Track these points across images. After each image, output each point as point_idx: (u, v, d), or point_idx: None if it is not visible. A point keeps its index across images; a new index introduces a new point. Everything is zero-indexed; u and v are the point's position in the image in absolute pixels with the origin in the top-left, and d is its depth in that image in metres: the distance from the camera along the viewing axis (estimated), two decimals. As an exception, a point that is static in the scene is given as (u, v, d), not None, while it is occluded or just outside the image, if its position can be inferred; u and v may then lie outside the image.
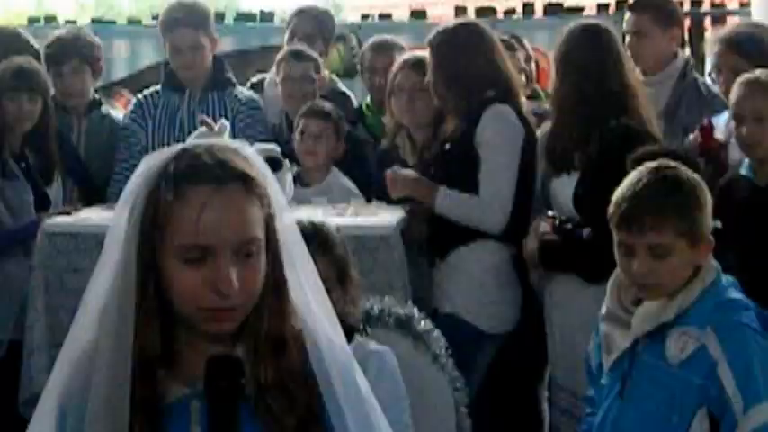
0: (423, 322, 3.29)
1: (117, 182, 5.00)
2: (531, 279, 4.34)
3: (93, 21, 7.50)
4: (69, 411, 1.82)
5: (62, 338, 4.18)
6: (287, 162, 4.37)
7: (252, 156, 1.86)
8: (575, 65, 4.16)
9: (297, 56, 5.13)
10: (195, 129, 4.70)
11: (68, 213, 4.56)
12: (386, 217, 4.36)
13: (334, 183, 4.80)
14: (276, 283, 1.82)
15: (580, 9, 7.03)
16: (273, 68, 5.38)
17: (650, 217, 2.86)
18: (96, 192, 5.01)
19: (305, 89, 5.10)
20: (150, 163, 1.81)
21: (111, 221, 1.85)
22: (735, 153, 4.14)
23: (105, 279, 1.83)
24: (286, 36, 5.65)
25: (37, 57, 5.13)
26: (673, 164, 3.00)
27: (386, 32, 5.88)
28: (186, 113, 5.09)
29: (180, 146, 1.85)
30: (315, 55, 5.21)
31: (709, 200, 2.94)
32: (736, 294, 2.92)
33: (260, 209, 1.80)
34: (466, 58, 4.39)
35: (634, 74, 4.43)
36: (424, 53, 4.60)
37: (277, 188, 1.86)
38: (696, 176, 2.97)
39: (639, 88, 4.25)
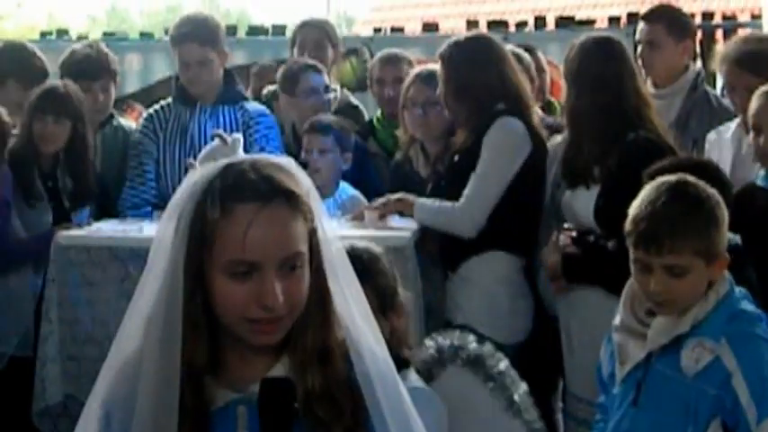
0: (500, 363, 3.07)
1: (129, 195, 5.07)
2: (540, 290, 4.34)
3: (106, 34, 7.51)
4: (114, 418, 1.87)
5: (75, 350, 4.26)
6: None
7: (296, 171, 1.89)
8: (590, 78, 4.14)
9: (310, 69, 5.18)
10: (206, 142, 4.73)
11: (80, 226, 4.58)
12: (400, 229, 4.37)
13: (344, 195, 4.80)
14: (320, 295, 1.86)
15: (591, 22, 7.04)
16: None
17: (669, 240, 2.84)
18: (113, 205, 5.05)
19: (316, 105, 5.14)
20: (195, 178, 1.86)
21: (157, 234, 1.89)
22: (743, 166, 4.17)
23: (151, 290, 1.85)
24: (295, 50, 5.68)
25: (44, 71, 5.21)
26: (692, 180, 2.97)
27: (398, 46, 5.93)
28: (197, 127, 5.09)
29: (225, 161, 1.88)
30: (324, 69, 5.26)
31: (725, 216, 2.93)
32: (749, 306, 2.93)
33: (304, 224, 1.84)
34: (476, 71, 4.40)
35: (646, 86, 4.44)
36: (436, 66, 4.61)
37: (319, 201, 1.89)
38: (714, 192, 2.95)
39: (651, 100, 4.26)
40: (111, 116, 5.34)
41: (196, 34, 5.06)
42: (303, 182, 1.88)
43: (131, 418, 1.83)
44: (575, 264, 4.10)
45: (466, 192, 4.33)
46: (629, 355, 2.95)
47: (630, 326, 2.98)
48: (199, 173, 1.88)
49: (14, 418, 4.43)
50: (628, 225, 2.93)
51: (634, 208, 2.94)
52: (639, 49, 4.88)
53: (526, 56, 5.11)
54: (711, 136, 4.52)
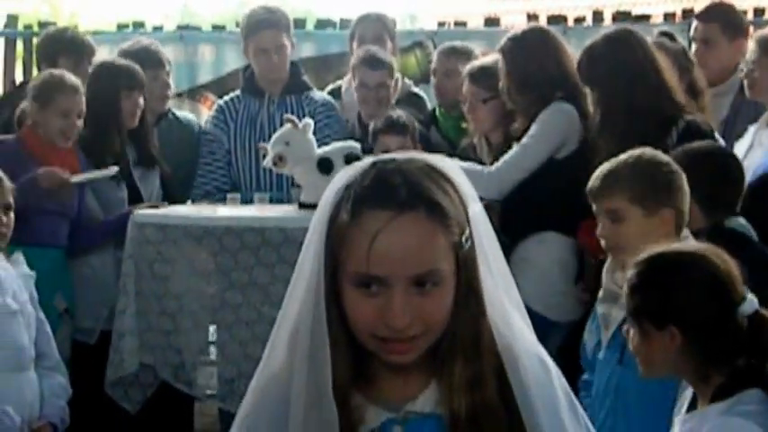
0: None
1: (201, 183, 5.29)
2: (586, 270, 4.48)
3: (180, 27, 7.75)
4: None
5: (150, 323, 4.49)
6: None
7: (455, 176, 1.71)
8: (627, 68, 4.24)
9: (372, 64, 5.30)
10: (274, 130, 4.88)
11: (156, 207, 4.78)
12: None
13: None
14: (472, 317, 1.69)
15: (647, 17, 7.17)
16: (349, 74, 5.60)
17: (604, 184, 3.23)
18: (173, 196, 5.17)
19: (380, 95, 5.29)
20: (345, 174, 1.70)
21: (309, 233, 1.71)
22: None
23: (297, 299, 1.71)
24: (355, 44, 5.80)
25: (91, 47, 5.41)
26: (654, 151, 3.30)
27: (461, 39, 6.04)
28: (266, 117, 5.30)
29: (373, 159, 1.72)
30: (389, 60, 5.38)
31: (678, 182, 3.20)
32: None
33: (445, 237, 1.64)
34: (535, 62, 4.54)
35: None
36: (488, 59, 4.80)
37: (477, 211, 1.72)
38: (672, 163, 3.25)
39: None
40: (168, 110, 5.52)
41: (273, 21, 5.30)
42: (462, 188, 1.70)
43: None
44: None
45: (502, 158, 4.51)
46: (612, 318, 3.19)
47: (611, 291, 3.22)
48: (351, 168, 1.71)
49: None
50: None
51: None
52: (694, 47, 4.93)
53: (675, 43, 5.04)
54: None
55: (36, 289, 4.13)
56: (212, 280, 4.53)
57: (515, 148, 4.52)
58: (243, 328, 4.50)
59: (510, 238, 4.51)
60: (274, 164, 4.49)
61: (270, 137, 4.87)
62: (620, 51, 4.30)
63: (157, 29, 7.67)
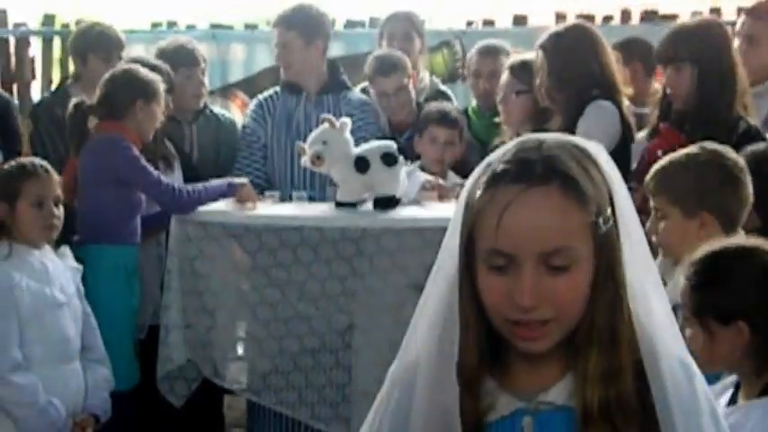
0: None
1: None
2: None
3: (212, 26, 7.83)
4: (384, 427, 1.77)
5: (193, 319, 4.57)
6: (401, 158, 4.58)
7: (600, 154, 1.65)
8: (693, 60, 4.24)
9: (384, 71, 5.41)
10: (310, 129, 4.94)
11: None
12: None
13: (452, 185, 4.96)
14: (611, 306, 1.62)
15: (675, 16, 7.21)
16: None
17: (653, 179, 3.28)
18: None
19: (401, 99, 5.41)
20: (493, 154, 1.68)
21: (454, 212, 1.69)
22: None
23: (436, 282, 1.70)
24: (384, 42, 5.89)
25: (120, 42, 5.47)
26: (717, 148, 3.31)
27: (489, 38, 6.10)
28: (302, 115, 5.35)
29: (524, 137, 1.68)
30: (399, 59, 5.45)
31: (733, 188, 3.21)
32: None
33: (581, 215, 1.58)
34: (576, 60, 4.57)
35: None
36: (531, 55, 4.80)
37: (621, 194, 1.65)
38: (731, 164, 3.25)
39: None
40: (205, 106, 5.59)
41: (285, 18, 5.37)
42: (607, 169, 1.63)
43: (403, 426, 1.71)
44: None
45: None
46: None
47: None
48: (499, 148, 1.68)
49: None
50: None
51: None
52: (737, 42, 4.86)
53: None
54: None
55: (128, 286, 4.39)
56: (251, 277, 4.61)
57: None
58: (280, 324, 4.59)
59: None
60: (312, 163, 4.55)
61: (305, 135, 4.91)
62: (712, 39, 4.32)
63: (190, 27, 7.76)
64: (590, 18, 7.31)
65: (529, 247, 1.56)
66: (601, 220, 1.59)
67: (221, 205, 4.75)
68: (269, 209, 4.75)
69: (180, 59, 5.35)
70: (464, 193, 1.66)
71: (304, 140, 4.74)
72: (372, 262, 4.49)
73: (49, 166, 4.15)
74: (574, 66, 4.57)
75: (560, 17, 7.39)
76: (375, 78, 5.42)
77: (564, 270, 1.57)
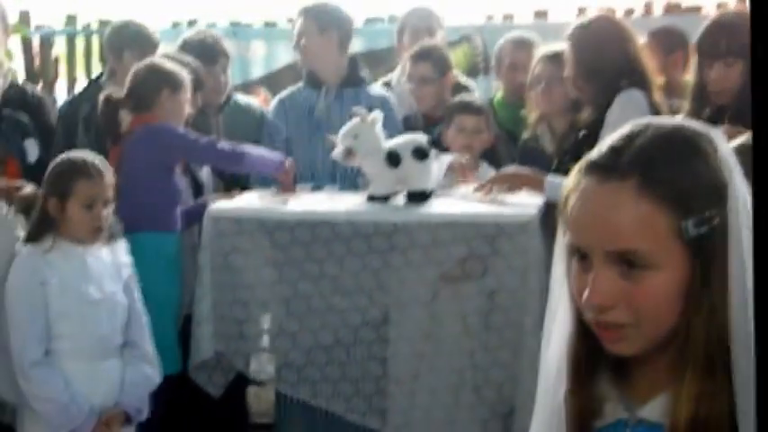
0: None
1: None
2: None
3: (233, 24, 7.87)
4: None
5: (224, 312, 4.61)
6: (433, 152, 4.62)
7: (712, 146, 1.49)
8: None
9: (421, 57, 5.48)
10: (331, 122, 5.08)
11: (231, 197, 4.89)
12: (526, 205, 4.50)
13: (486, 175, 4.97)
14: (705, 316, 1.46)
15: (698, 8, 7.22)
16: (399, 67, 5.80)
17: None
18: (240, 182, 5.32)
19: (432, 88, 5.47)
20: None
21: None
22: None
23: (557, 277, 1.63)
24: (406, 37, 5.95)
25: (155, 41, 5.54)
26: None
27: (508, 33, 6.14)
28: (324, 107, 5.43)
29: (634, 123, 1.57)
30: (440, 51, 5.55)
31: None
32: None
33: (661, 214, 1.45)
34: (604, 51, 4.56)
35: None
36: (560, 46, 4.82)
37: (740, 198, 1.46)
38: None
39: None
40: (229, 97, 5.64)
41: (303, 8, 5.50)
42: (719, 162, 1.47)
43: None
44: None
45: None
46: None
47: None
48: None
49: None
50: None
51: None
52: None
53: None
54: None
55: (171, 273, 4.47)
56: (285, 271, 4.63)
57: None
58: (314, 317, 4.62)
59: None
60: (344, 157, 4.57)
61: (326, 128, 5.02)
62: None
63: (211, 25, 7.79)
64: (612, 12, 7.32)
65: (596, 243, 1.47)
66: (690, 223, 1.45)
67: (254, 200, 4.81)
68: (302, 204, 4.76)
69: (202, 54, 5.39)
70: (565, 181, 1.60)
71: (325, 133, 4.81)
72: (406, 255, 4.50)
73: (102, 166, 4.13)
74: (601, 57, 4.56)
75: (582, 11, 7.40)
76: (413, 62, 5.48)
77: (641, 273, 1.46)
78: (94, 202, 4.06)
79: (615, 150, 1.49)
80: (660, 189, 1.45)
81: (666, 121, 1.56)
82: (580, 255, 1.50)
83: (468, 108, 5.17)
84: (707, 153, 1.48)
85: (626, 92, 4.51)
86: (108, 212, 4.12)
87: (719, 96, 4.26)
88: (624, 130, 1.53)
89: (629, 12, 7.60)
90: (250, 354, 4.76)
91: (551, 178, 4.39)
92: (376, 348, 4.66)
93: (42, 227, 4.08)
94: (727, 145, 1.51)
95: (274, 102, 5.65)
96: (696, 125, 1.54)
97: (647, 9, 7.56)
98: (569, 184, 1.55)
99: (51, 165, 4.16)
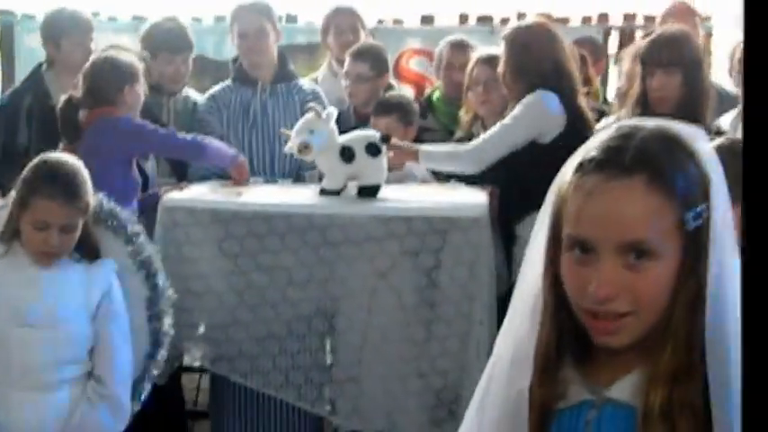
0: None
1: (196, 167, 5.36)
2: None
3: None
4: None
5: (180, 304, 4.62)
6: (384, 148, 4.71)
7: (698, 144, 1.62)
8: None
9: (360, 55, 5.61)
10: (267, 119, 5.14)
11: (181, 189, 4.90)
12: (475, 198, 4.66)
13: (411, 169, 5.15)
14: (688, 301, 1.57)
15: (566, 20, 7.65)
16: (325, 64, 5.92)
17: None
18: (184, 168, 5.36)
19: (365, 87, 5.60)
20: (591, 139, 1.68)
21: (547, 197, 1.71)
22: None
23: (530, 266, 1.73)
24: (331, 35, 6.08)
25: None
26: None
27: (398, 36, 6.31)
28: (258, 105, 5.46)
29: (619, 123, 1.68)
30: (380, 52, 5.69)
31: None
32: None
33: (665, 208, 1.56)
34: (532, 52, 4.82)
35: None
36: (495, 49, 5.07)
37: (719, 194, 1.58)
38: None
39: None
40: (181, 90, 5.65)
41: (254, 7, 5.49)
42: (705, 162, 1.59)
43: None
44: None
45: (481, 136, 4.81)
46: None
47: None
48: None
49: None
50: None
51: None
52: None
53: None
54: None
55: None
56: (239, 262, 4.67)
57: (495, 126, 4.81)
58: (267, 308, 4.68)
59: (507, 219, 4.80)
60: (299, 152, 4.64)
61: (262, 124, 5.10)
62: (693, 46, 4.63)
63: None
64: (488, 19, 7.67)
65: (607, 236, 1.56)
66: (689, 217, 1.56)
67: (207, 191, 4.86)
68: (255, 195, 4.83)
69: (163, 44, 5.44)
70: (556, 179, 1.68)
71: (261, 130, 4.95)
72: (360, 247, 4.60)
73: (80, 189, 3.65)
74: (529, 57, 4.83)
75: (462, 18, 7.65)
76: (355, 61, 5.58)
77: (645, 264, 1.56)
78: (48, 226, 3.57)
79: (616, 149, 1.59)
80: (663, 185, 1.56)
81: (652, 121, 1.67)
82: (582, 249, 1.59)
83: (377, 110, 5.30)
84: (695, 151, 1.61)
85: (538, 92, 4.78)
86: (70, 239, 3.65)
87: (661, 104, 4.55)
88: (613, 130, 1.65)
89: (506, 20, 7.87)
90: (201, 343, 4.78)
91: (424, 147, 4.81)
92: (327, 338, 4.77)
93: (7, 229, 3.67)
94: (708, 144, 1.64)
95: (205, 98, 5.66)
96: (681, 126, 1.66)
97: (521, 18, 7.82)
98: (563, 182, 1.64)
99: (31, 163, 3.70)
